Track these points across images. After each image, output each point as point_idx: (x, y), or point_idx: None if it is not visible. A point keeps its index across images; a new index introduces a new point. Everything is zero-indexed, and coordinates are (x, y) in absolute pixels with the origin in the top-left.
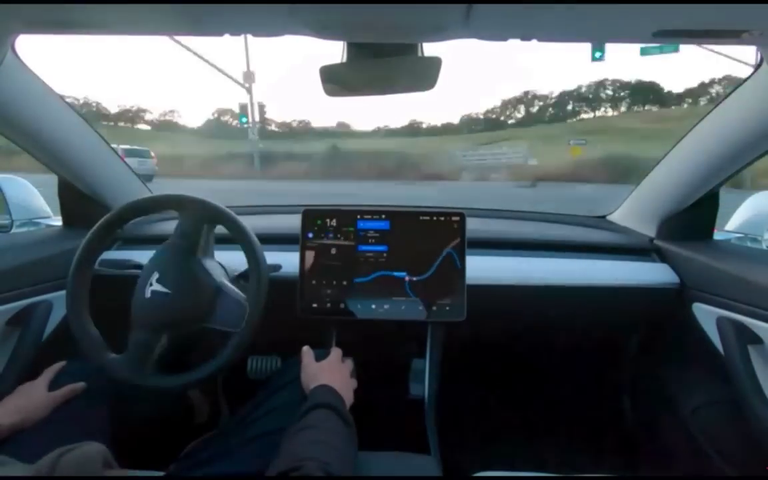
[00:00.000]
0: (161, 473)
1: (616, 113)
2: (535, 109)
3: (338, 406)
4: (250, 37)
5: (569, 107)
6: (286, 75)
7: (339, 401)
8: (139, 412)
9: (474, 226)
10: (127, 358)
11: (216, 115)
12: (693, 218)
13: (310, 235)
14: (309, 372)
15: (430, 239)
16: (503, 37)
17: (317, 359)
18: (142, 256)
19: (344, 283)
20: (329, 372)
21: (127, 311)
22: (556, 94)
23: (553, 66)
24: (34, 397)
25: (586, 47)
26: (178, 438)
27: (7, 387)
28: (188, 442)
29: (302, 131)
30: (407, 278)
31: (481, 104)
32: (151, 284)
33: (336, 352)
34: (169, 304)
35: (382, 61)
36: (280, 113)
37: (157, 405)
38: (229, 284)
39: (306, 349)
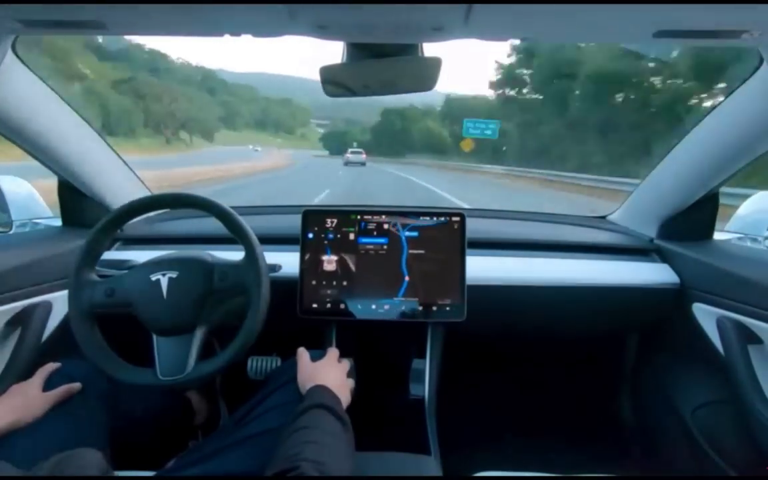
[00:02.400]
0: (149, 473)
1: None
2: None
3: (334, 405)
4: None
5: None
6: None
7: (335, 401)
8: (137, 413)
9: (474, 227)
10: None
11: None
12: (693, 218)
13: (310, 235)
14: (305, 372)
15: (431, 239)
16: (503, 37)
17: (313, 360)
18: (142, 256)
19: (344, 283)
20: (325, 372)
21: (132, 317)
22: None
23: None
24: (29, 397)
25: None
26: (177, 439)
27: (7, 387)
28: (187, 443)
29: None
30: (407, 278)
31: None
32: (159, 282)
33: (332, 352)
34: (182, 286)
35: (382, 62)
36: None
37: (155, 407)
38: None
39: (301, 350)
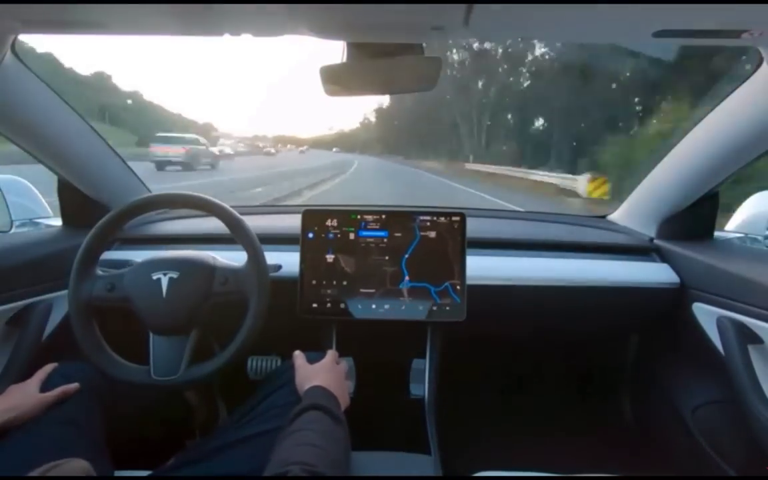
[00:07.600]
0: (148, 473)
1: None
2: None
3: (330, 406)
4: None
5: None
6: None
7: (331, 401)
8: (135, 414)
9: (474, 226)
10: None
11: None
12: (693, 218)
13: (310, 235)
14: (302, 374)
15: (431, 239)
16: (503, 37)
17: (311, 362)
18: (142, 257)
19: (344, 283)
20: (323, 373)
21: (130, 314)
22: None
23: None
24: (26, 397)
25: None
26: (176, 440)
27: (5, 387)
28: (185, 443)
29: None
30: (407, 278)
31: None
32: (160, 281)
33: (331, 354)
34: (182, 287)
35: (382, 62)
36: None
37: (154, 407)
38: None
39: (297, 354)
